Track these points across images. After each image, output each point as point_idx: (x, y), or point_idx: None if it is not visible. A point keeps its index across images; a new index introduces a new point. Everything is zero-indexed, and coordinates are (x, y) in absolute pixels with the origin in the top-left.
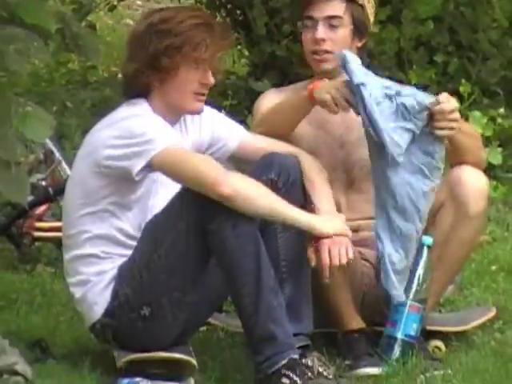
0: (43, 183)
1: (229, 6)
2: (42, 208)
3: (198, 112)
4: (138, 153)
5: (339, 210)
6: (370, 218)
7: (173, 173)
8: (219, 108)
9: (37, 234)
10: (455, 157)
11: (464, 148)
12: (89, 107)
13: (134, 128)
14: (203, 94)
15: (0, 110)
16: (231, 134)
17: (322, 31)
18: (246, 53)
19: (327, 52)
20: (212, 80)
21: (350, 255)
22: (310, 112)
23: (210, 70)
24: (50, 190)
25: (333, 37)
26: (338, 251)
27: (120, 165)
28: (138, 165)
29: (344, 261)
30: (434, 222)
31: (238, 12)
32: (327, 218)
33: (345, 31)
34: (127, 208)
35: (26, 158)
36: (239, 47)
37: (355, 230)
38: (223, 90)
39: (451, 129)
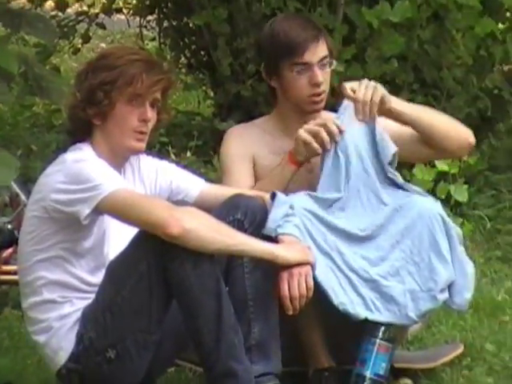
0: (9, 226)
1: (193, 47)
2: (8, 251)
3: (139, 151)
4: (84, 199)
5: None
6: None
7: (121, 216)
8: (184, 149)
9: (3, 277)
10: (435, 145)
11: (438, 134)
12: (54, 150)
13: (79, 174)
14: (142, 133)
15: None
16: (191, 184)
17: (319, 74)
18: (211, 93)
19: (323, 93)
20: (150, 116)
21: (310, 285)
22: (278, 147)
23: (152, 107)
24: (16, 233)
25: (326, 77)
26: (297, 282)
27: (67, 210)
28: (84, 210)
29: (303, 292)
30: None
31: (203, 53)
32: (289, 247)
33: (330, 66)
34: (80, 255)
35: None
36: (204, 88)
37: None
38: (188, 130)
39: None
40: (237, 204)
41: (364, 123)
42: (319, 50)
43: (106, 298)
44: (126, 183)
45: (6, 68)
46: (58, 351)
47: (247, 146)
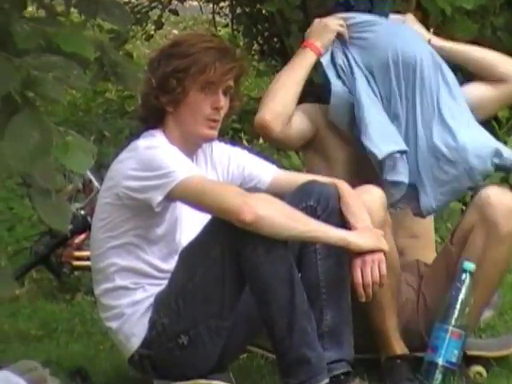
0: (82, 212)
1: (266, 34)
2: (81, 237)
3: (211, 138)
4: (156, 186)
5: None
6: (413, 235)
7: (194, 203)
8: (257, 135)
9: (76, 263)
10: (485, 73)
11: (488, 61)
12: (127, 136)
13: (151, 161)
14: (215, 121)
15: (41, 139)
16: (263, 171)
17: None
18: None
19: None
20: (222, 104)
21: (383, 272)
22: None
23: (225, 94)
24: (89, 218)
25: None
26: (370, 269)
27: (139, 197)
28: (157, 197)
29: (376, 279)
30: (465, 244)
31: (275, 39)
32: (362, 233)
33: None
34: (153, 242)
35: (65, 187)
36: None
37: (399, 254)
38: None
39: None
40: (310, 190)
41: None
42: None
43: (178, 284)
44: (199, 170)
45: (82, 54)
46: (130, 337)
47: (312, 115)
